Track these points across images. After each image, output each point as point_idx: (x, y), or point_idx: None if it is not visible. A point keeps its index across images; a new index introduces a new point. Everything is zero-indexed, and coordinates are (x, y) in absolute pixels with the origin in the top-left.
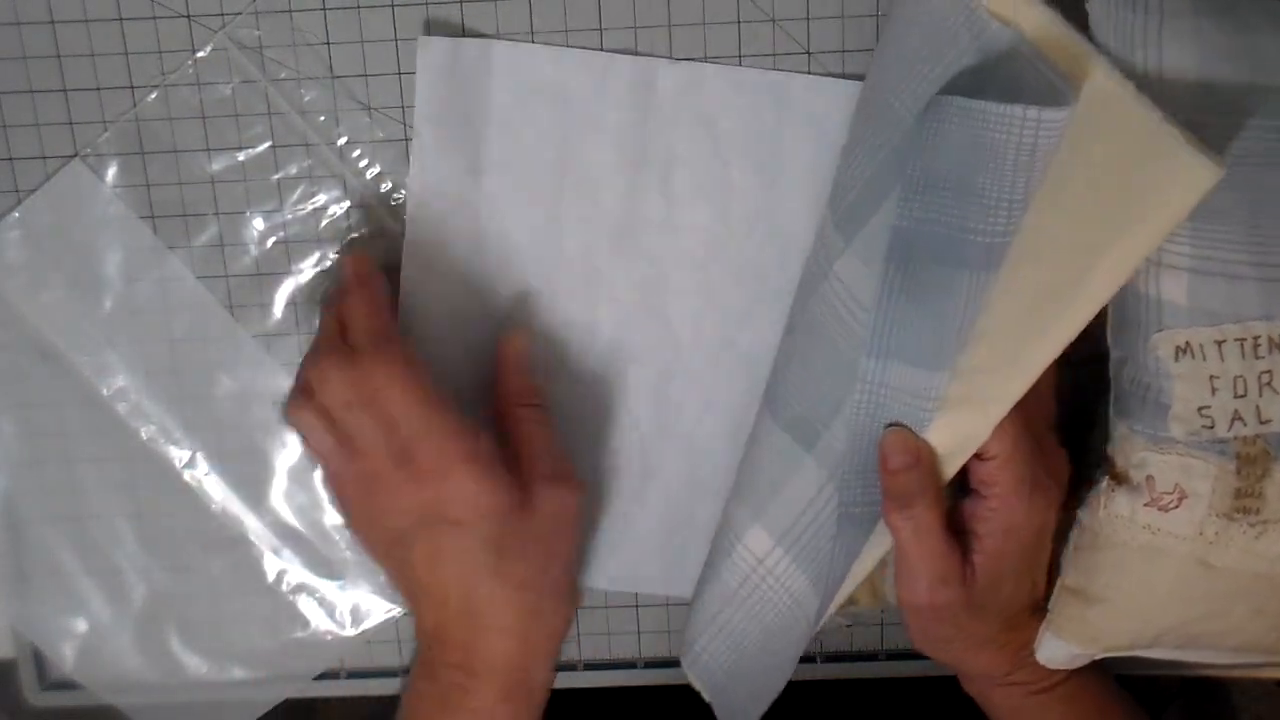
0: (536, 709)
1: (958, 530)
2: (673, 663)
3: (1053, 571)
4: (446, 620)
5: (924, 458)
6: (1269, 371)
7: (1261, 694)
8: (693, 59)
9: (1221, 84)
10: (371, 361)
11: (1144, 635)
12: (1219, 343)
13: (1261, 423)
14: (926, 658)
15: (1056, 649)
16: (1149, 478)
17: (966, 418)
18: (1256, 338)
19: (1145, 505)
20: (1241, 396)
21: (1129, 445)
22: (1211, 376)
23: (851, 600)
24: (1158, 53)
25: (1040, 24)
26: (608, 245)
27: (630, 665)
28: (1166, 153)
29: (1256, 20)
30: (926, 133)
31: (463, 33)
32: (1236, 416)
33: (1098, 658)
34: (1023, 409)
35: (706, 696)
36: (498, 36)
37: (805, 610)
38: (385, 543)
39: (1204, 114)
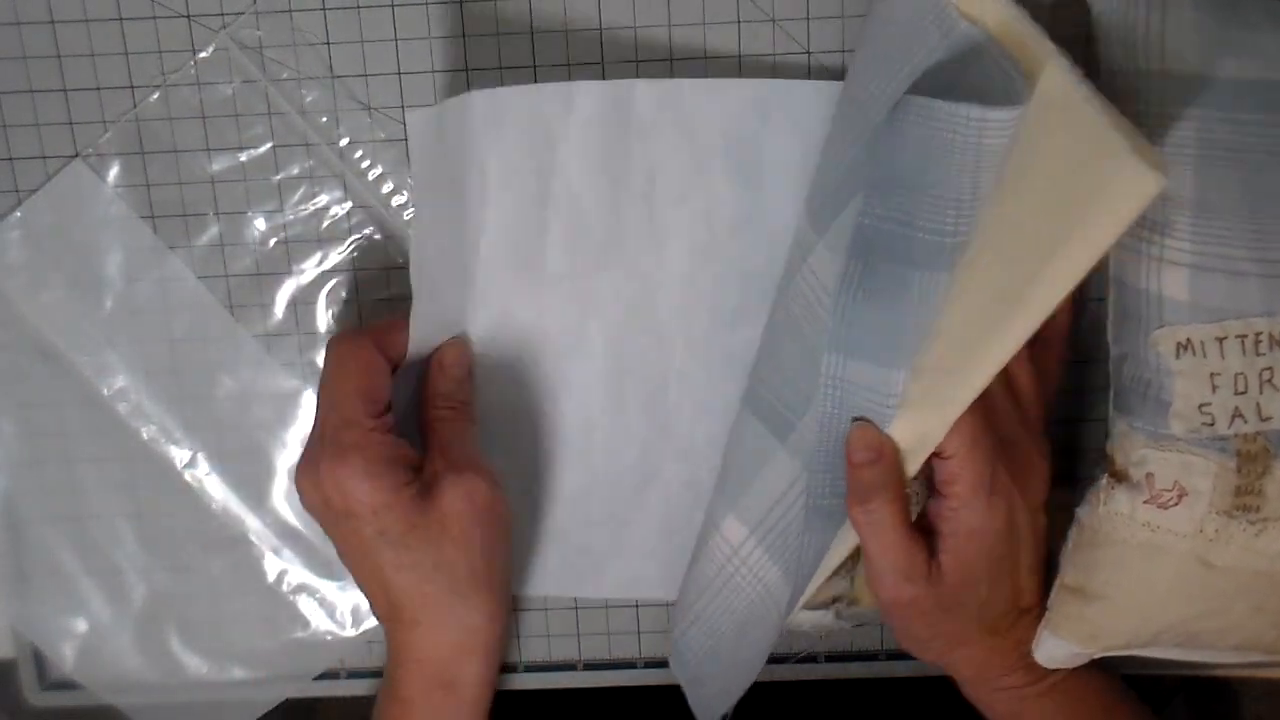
0: (469, 706)
1: (928, 530)
2: None
3: (1043, 575)
4: (379, 610)
5: (886, 454)
6: (1270, 368)
7: (1262, 693)
8: (693, 58)
9: (1224, 80)
10: (337, 339)
11: (1143, 633)
12: (1220, 339)
13: (1262, 420)
14: None
15: (1055, 648)
16: (1149, 475)
17: (924, 416)
18: (1258, 334)
19: (1145, 503)
20: (1242, 393)
21: (1129, 442)
22: (1212, 373)
23: (852, 600)
24: (1160, 49)
25: (1003, 20)
26: (595, 260)
27: (630, 665)
28: (1113, 156)
29: (1258, 17)
30: (890, 131)
31: (462, 30)
32: (1237, 414)
33: (1097, 656)
34: (985, 408)
35: (683, 686)
36: (497, 34)
37: (777, 601)
38: (319, 525)
39: (1206, 110)
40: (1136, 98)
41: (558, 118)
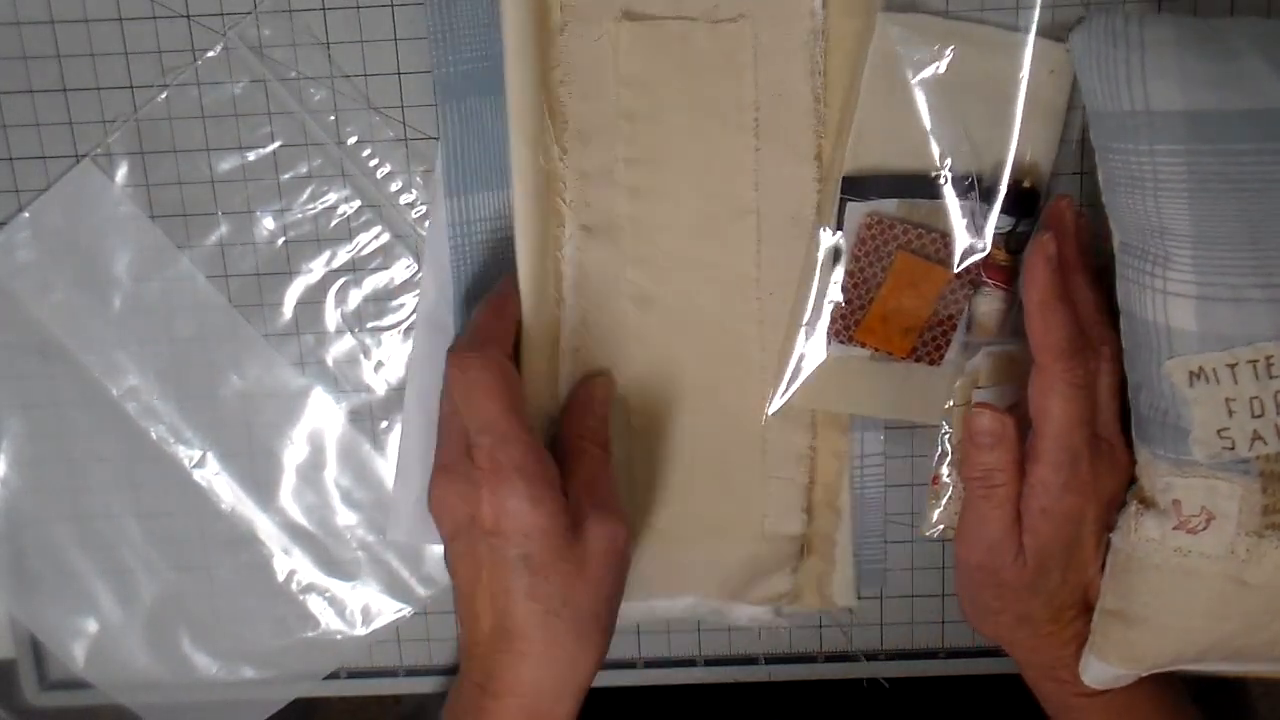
0: None
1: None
2: (672, 663)
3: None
4: (478, 637)
5: (1008, 436)
6: None
7: (1263, 692)
8: None
9: (1210, 112)
10: (467, 357)
11: (1186, 653)
12: (1231, 366)
13: None
14: (928, 658)
15: (1101, 671)
16: (1175, 501)
17: None
18: (1269, 358)
19: (1174, 528)
20: (1259, 416)
21: (1153, 469)
22: (1228, 399)
23: (794, 598)
24: (1142, 86)
25: None
26: None
27: (630, 665)
28: None
29: (1240, 44)
30: None
31: None
32: (1256, 436)
33: (1143, 675)
34: (1091, 402)
35: None
36: None
37: None
38: (444, 535)
39: (1196, 144)
40: (1124, 137)
41: None
